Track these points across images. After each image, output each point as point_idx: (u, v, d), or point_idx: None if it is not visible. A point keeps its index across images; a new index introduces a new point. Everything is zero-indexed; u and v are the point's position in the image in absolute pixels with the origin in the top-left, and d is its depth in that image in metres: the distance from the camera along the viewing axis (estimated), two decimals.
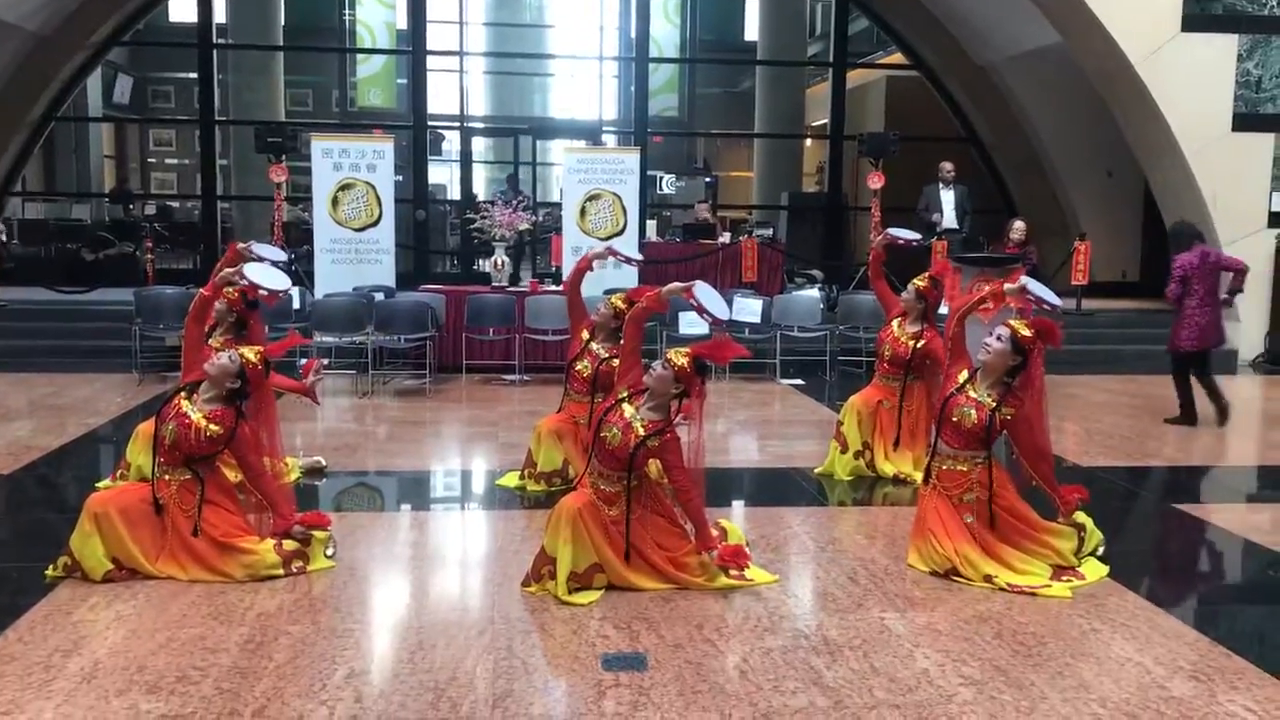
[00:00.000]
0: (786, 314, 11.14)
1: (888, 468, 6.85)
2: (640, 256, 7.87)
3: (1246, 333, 12.47)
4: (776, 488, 6.94)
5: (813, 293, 12.07)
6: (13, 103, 14.61)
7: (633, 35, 17.20)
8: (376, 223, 11.69)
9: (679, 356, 4.80)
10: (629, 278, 11.82)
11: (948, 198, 12.69)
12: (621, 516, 4.75)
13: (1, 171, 15.30)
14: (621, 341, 5.53)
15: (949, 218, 12.61)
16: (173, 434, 4.87)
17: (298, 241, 14.31)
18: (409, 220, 15.02)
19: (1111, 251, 15.01)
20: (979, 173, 15.97)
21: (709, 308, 5.27)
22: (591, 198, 11.90)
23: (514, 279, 12.21)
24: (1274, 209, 12.46)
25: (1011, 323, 5.04)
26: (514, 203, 11.44)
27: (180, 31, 18.35)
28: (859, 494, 6.68)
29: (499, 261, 11.16)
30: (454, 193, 19.16)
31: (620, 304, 6.24)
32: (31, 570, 4.81)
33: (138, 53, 21.10)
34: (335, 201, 11.63)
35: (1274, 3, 12.24)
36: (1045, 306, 5.38)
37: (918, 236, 8.04)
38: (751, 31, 21.17)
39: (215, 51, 16.11)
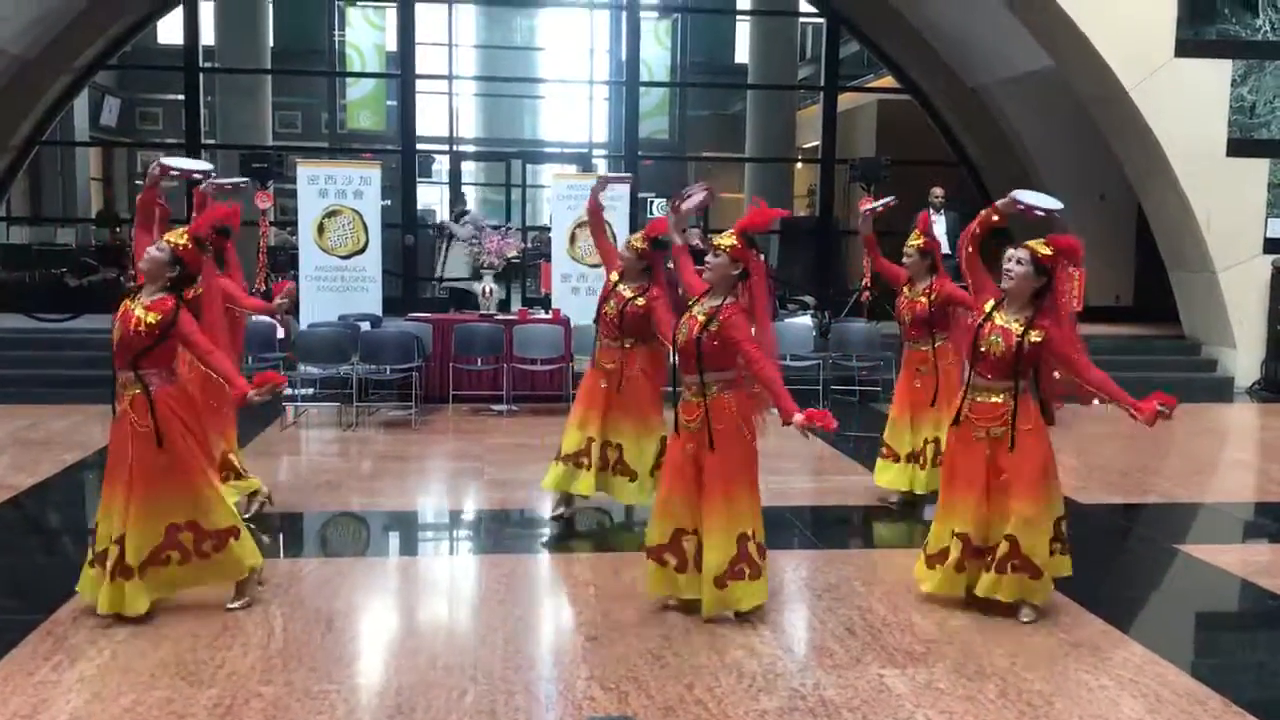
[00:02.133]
0: (778, 342, 10.96)
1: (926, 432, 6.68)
2: (629, 174, 7.81)
3: (1243, 360, 12.37)
4: (771, 529, 6.70)
5: (805, 320, 11.92)
6: None
7: (623, 59, 17.10)
8: (363, 250, 11.53)
9: (727, 239, 4.81)
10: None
11: (939, 223, 12.56)
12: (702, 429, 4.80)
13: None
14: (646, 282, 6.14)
15: (942, 244, 12.47)
16: (118, 333, 4.69)
17: (284, 267, 14.16)
18: (398, 245, 14.87)
19: (1105, 276, 14.89)
20: (971, 196, 15.87)
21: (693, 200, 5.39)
22: (581, 224, 11.73)
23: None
24: (1269, 234, 12.37)
25: (1030, 243, 4.86)
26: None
27: (168, 54, 18.21)
28: (855, 537, 6.52)
29: (487, 289, 10.99)
30: (444, 216, 19.00)
31: (640, 244, 6.22)
32: None
33: (126, 74, 20.97)
34: (321, 228, 11.47)
35: (1268, 28, 12.18)
36: (1040, 213, 5.12)
37: (890, 199, 7.86)
38: (742, 55, 21.13)
39: (202, 75, 15.99)
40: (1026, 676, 4.31)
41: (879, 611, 5.04)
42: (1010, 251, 4.89)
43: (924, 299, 6.68)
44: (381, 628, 4.95)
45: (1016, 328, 4.83)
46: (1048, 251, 4.81)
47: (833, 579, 5.58)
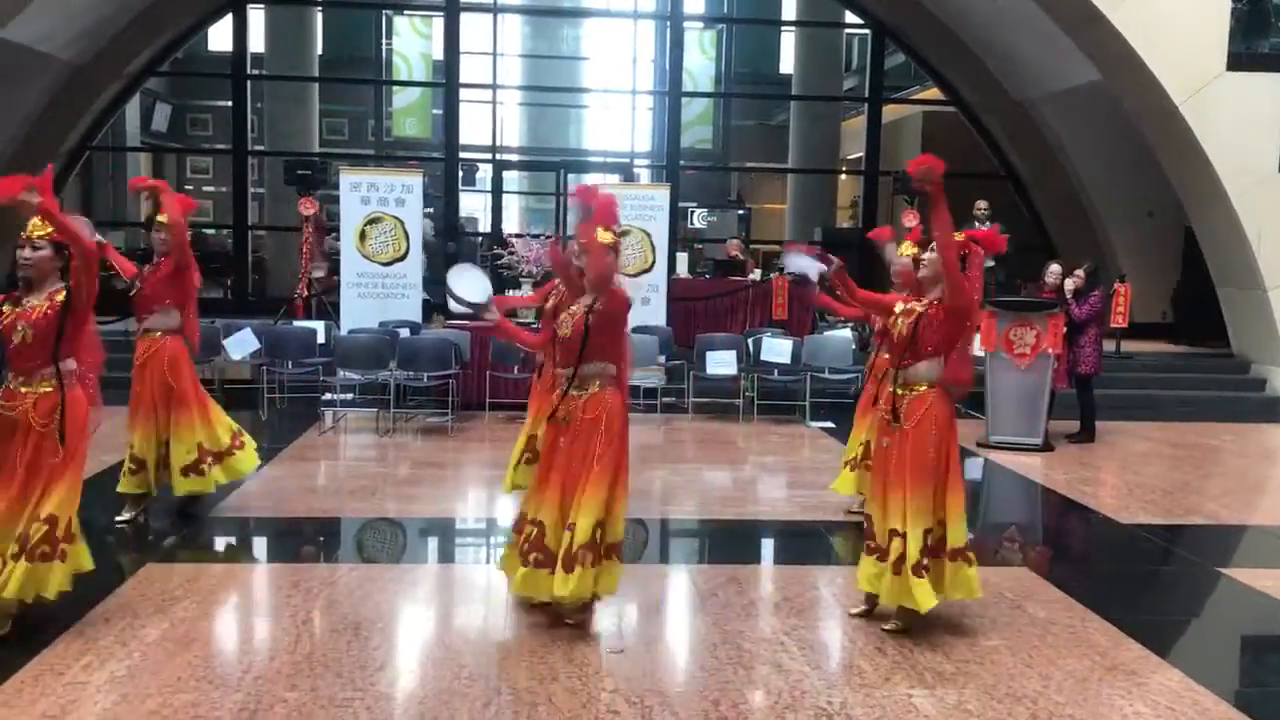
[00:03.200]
0: (817, 355, 10.90)
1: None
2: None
3: None
4: (803, 543, 6.70)
5: (844, 333, 11.81)
6: (48, 132, 14.69)
7: (667, 68, 17.14)
8: (404, 257, 11.59)
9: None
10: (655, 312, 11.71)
11: None
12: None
13: None
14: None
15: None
16: (23, 332, 4.57)
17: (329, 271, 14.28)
18: (440, 252, 14.95)
19: (1152, 292, 14.65)
20: (1017, 211, 15.71)
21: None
22: (620, 234, 11.71)
23: None
24: None
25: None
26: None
27: (218, 60, 18.46)
28: None
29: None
30: (487, 223, 19.11)
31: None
32: (23, 625, 4.62)
33: (177, 80, 21.25)
34: (363, 235, 11.55)
35: None
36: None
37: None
38: (787, 65, 21.06)
39: (250, 82, 16.19)
40: (1058, 700, 4.22)
41: (910, 629, 4.95)
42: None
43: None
44: (409, 635, 4.94)
45: (920, 309, 4.87)
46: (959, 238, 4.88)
47: (864, 596, 5.50)
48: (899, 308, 5.00)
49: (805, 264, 6.16)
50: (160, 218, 6.30)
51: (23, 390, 4.62)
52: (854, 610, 5.12)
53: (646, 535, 6.81)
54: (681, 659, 4.63)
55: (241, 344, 10.15)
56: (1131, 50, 11.48)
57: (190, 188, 23.71)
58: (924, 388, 4.84)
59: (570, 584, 4.64)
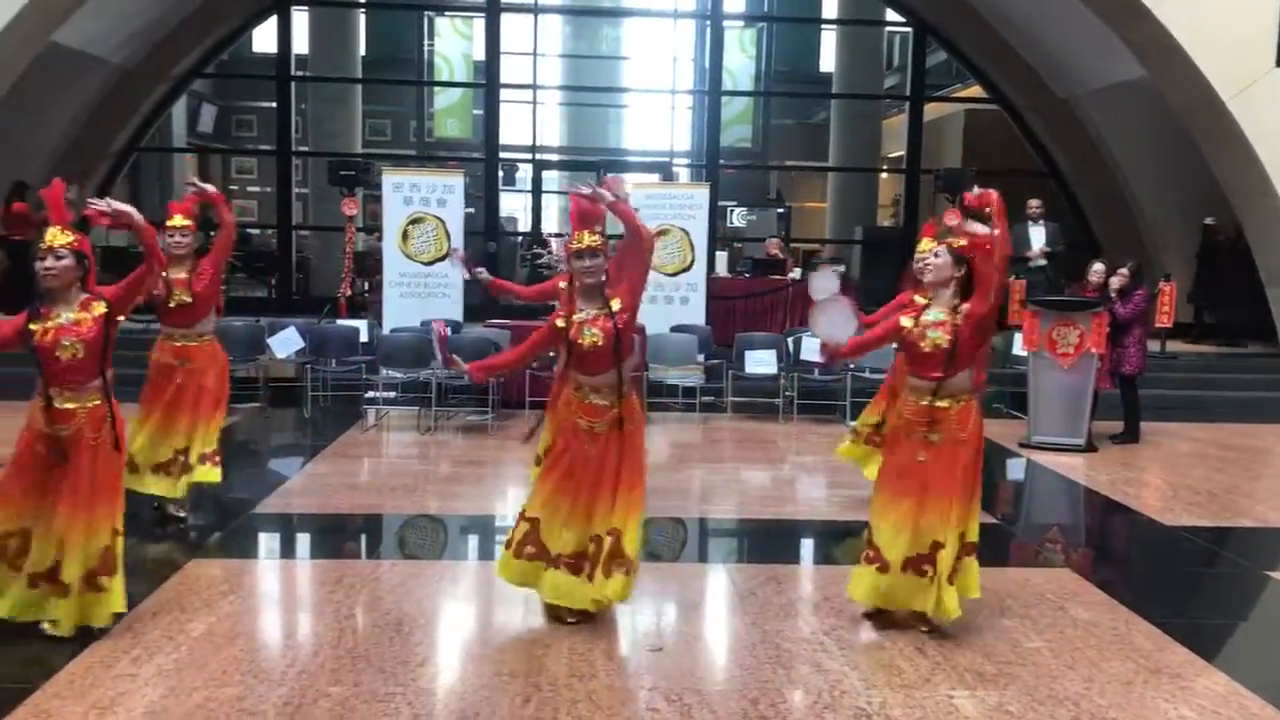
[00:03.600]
0: None
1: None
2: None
3: None
4: (843, 543, 6.67)
5: None
6: (98, 134, 14.96)
7: (707, 67, 17.14)
8: (445, 257, 11.68)
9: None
10: (695, 312, 11.70)
11: (1037, 234, 12.32)
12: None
13: (85, 201, 15.68)
14: None
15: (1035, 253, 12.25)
16: (74, 348, 4.49)
17: (370, 272, 14.42)
18: (480, 252, 15.04)
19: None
20: (1061, 209, 15.54)
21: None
22: (660, 233, 11.76)
23: None
24: None
25: (947, 240, 4.91)
26: None
27: (262, 62, 18.69)
28: None
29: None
30: (526, 223, 19.19)
31: None
32: None
33: (222, 81, 21.52)
34: (405, 235, 11.66)
35: None
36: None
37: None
38: (827, 63, 20.99)
39: (294, 83, 16.37)
40: (1101, 703, 4.19)
41: (951, 630, 4.93)
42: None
43: None
44: (450, 631, 4.98)
45: (949, 318, 4.77)
46: (962, 243, 4.81)
47: None
48: (907, 322, 4.87)
49: (835, 327, 4.97)
50: (180, 220, 6.31)
51: (70, 406, 4.56)
52: (862, 610, 5.09)
53: (685, 534, 6.83)
54: (720, 658, 4.64)
55: (286, 343, 10.28)
56: (1178, 45, 11.32)
57: (235, 188, 24.05)
58: (966, 398, 4.82)
59: (609, 588, 4.74)
